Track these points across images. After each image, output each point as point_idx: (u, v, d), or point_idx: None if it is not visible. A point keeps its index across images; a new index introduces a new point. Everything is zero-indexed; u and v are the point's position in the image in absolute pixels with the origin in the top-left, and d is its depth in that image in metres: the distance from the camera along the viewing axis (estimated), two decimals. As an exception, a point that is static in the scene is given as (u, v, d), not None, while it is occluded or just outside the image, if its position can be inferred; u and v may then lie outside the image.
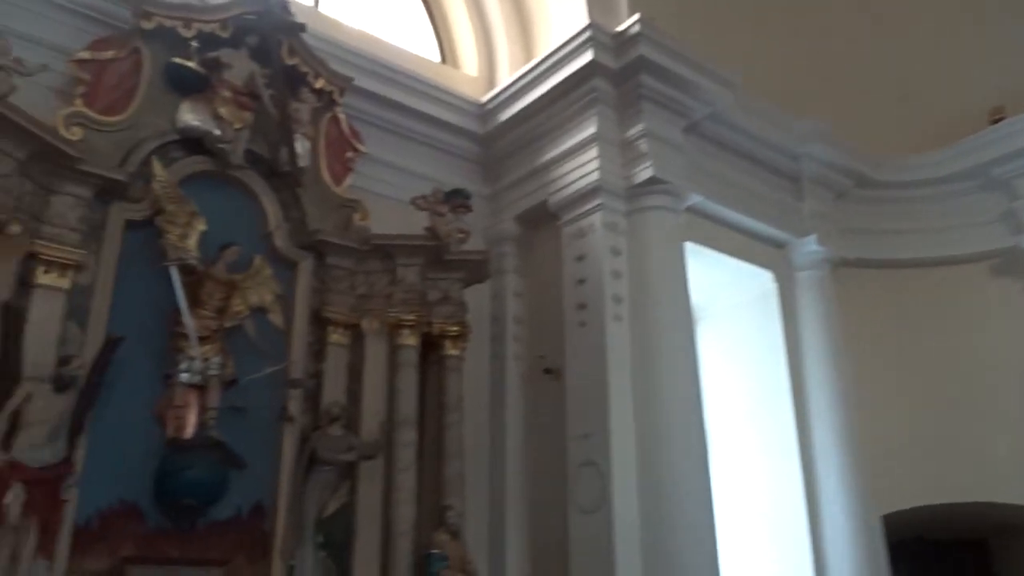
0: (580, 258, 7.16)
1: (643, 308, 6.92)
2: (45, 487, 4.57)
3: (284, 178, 6.25)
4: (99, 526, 5.01)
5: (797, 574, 7.49)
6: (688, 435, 6.62)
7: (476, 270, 6.88)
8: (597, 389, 6.64)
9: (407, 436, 6.04)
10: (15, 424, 4.56)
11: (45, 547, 4.54)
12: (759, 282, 8.41)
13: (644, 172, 7.13)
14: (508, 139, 7.92)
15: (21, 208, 4.85)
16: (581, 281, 7.08)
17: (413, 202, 6.63)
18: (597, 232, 7.09)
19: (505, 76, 8.18)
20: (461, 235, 6.95)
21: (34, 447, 4.57)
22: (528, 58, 8.04)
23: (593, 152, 7.21)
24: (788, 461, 7.82)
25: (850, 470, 7.81)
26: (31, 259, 4.96)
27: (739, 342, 8.50)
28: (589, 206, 7.18)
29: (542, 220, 7.73)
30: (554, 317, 7.30)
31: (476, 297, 7.25)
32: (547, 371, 7.25)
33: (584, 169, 7.25)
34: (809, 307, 8.42)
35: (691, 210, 7.71)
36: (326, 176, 6.55)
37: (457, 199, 7.02)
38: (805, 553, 7.51)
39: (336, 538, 5.58)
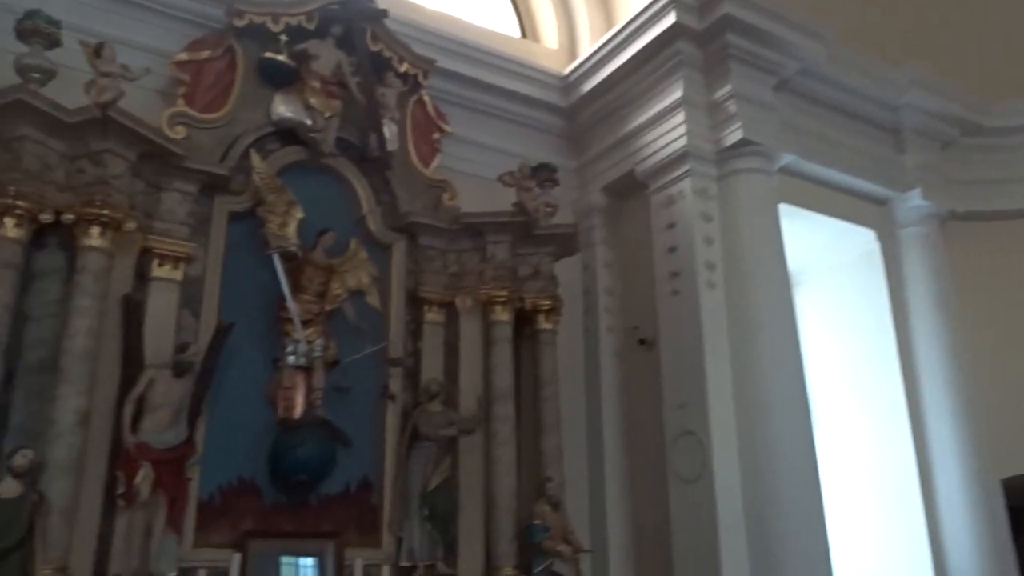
0: (670, 226, 7.06)
1: (737, 274, 6.79)
2: (171, 466, 4.88)
3: (374, 163, 6.40)
4: (221, 502, 5.32)
5: (911, 543, 7.27)
6: (790, 402, 6.48)
7: (565, 243, 6.90)
8: (693, 358, 6.58)
9: (504, 410, 6.15)
10: (141, 409, 4.87)
11: (174, 522, 4.85)
12: (860, 242, 8.10)
13: (734, 134, 6.95)
14: (592, 110, 7.85)
15: (135, 206, 5.14)
16: (672, 249, 6.99)
17: (500, 179, 6.68)
18: (687, 199, 6.97)
19: (586, 46, 8.08)
20: (549, 209, 6.98)
21: (159, 429, 4.87)
22: (609, 26, 7.92)
23: (680, 117, 7.07)
24: (897, 427, 7.56)
25: (965, 434, 7.48)
26: (146, 254, 5.27)
27: (841, 305, 8.23)
28: (678, 173, 7.07)
29: (630, 190, 7.66)
30: (646, 287, 7.25)
31: (567, 270, 7.28)
32: (641, 342, 7.23)
33: (671, 135, 7.12)
34: (915, 265, 8.06)
35: (785, 171, 7.48)
36: (414, 158, 6.67)
37: (543, 173, 7.05)
38: (919, 521, 7.27)
39: (440, 510, 5.74)
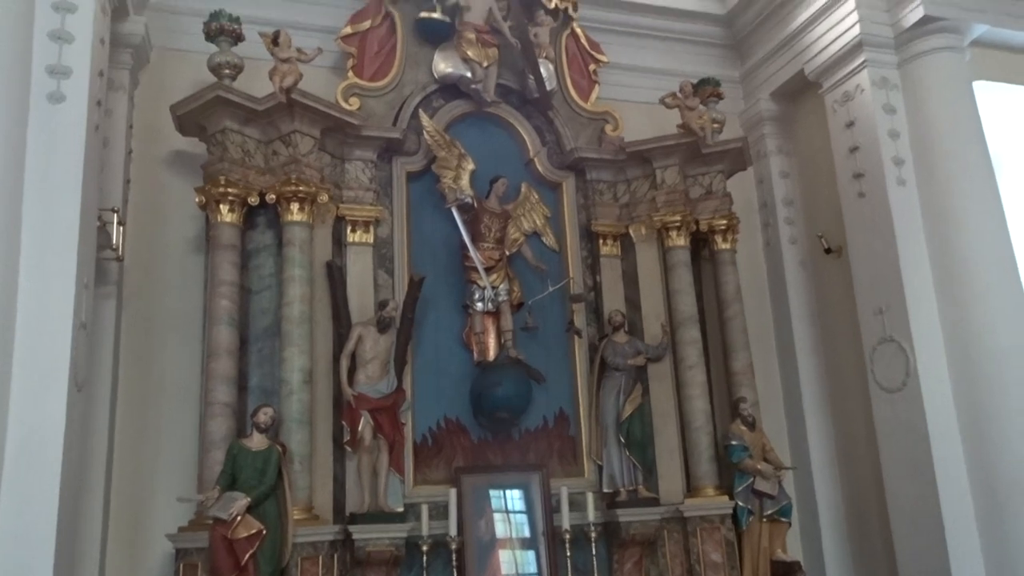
0: (850, 124, 6.65)
1: (931, 167, 6.31)
2: (386, 413, 5.35)
3: (536, 104, 6.47)
4: (433, 442, 5.78)
5: None
6: (1003, 299, 6.04)
7: (736, 158, 6.70)
8: (887, 262, 6.24)
9: (690, 334, 6.17)
10: (354, 363, 5.36)
11: (395, 463, 5.34)
12: (1076, 111, 7.24)
13: (914, 13, 6.38)
14: (752, 12, 7.42)
15: (325, 179, 5.56)
16: (854, 149, 6.59)
17: (662, 101, 6.56)
18: (866, 92, 6.52)
19: (740, -55, 7.62)
20: (716, 125, 6.79)
21: (371, 380, 5.34)
22: (762, -81, 7.41)
23: (850, 4, 6.56)
24: None
25: None
26: (340, 221, 5.70)
27: (1057, 186, 7.43)
28: (853, 65, 6.60)
29: (801, 91, 7.26)
30: (828, 192, 6.92)
31: (741, 186, 7.10)
32: (828, 250, 6.94)
33: (842, 26, 6.64)
34: None
35: (978, 43, 6.80)
36: (574, 94, 6.67)
37: (707, 89, 6.85)
38: None
39: (636, 437, 5.90)
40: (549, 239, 6.42)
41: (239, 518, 4.45)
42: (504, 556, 5.59)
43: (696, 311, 6.28)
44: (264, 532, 4.52)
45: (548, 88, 6.41)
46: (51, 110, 4.24)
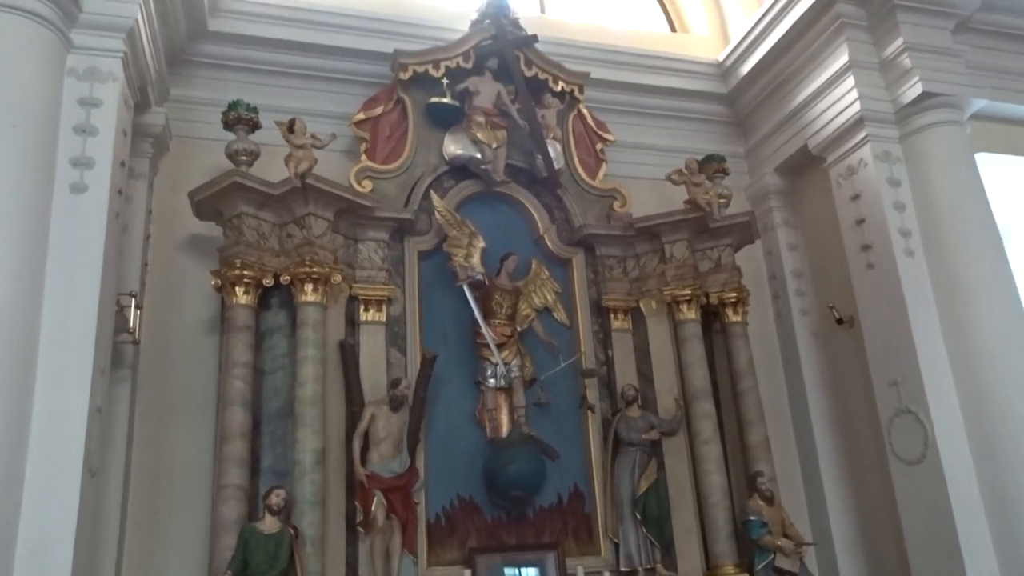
0: (855, 197, 6.73)
1: (938, 237, 6.36)
2: (399, 493, 5.32)
3: (544, 183, 6.61)
4: (446, 522, 5.71)
5: None
6: (1018, 369, 5.98)
7: (744, 232, 6.78)
8: (899, 332, 6.23)
9: (704, 408, 6.13)
10: (367, 443, 5.35)
11: (408, 544, 5.28)
12: (1079, 181, 7.31)
13: (912, 89, 6.53)
14: (754, 91, 7.64)
15: (338, 259, 5.66)
16: (860, 221, 6.66)
17: (668, 177, 6.68)
18: (869, 166, 6.62)
19: (738, 28, 7.86)
20: (723, 200, 6.89)
21: (384, 459, 5.32)
22: (759, 2, 7.67)
23: (850, 82, 6.74)
24: None
25: None
26: (353, 301, 5.78)
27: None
28: (855, 140, 6.73)
29: (805, 166, 7.38)
30: (837, 264, 6.95)
31: (750, 259, 7.15)
32: (839, 321, 6.94)
33: (843, 102, 6.80)
34: None
35: (978, 117, 6.93)
36: (581, 172, 6.82)
37: (712, 165, 6.97)
38: None
39: (653, 513, 5.82)
40: (560, 314, 6.47)
41: (246, 605, 4.39)
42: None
43: (709, 384, 6.26)
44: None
45: (556, 167, 6.56)
46: (74, 200, 4.39)
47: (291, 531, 4.73)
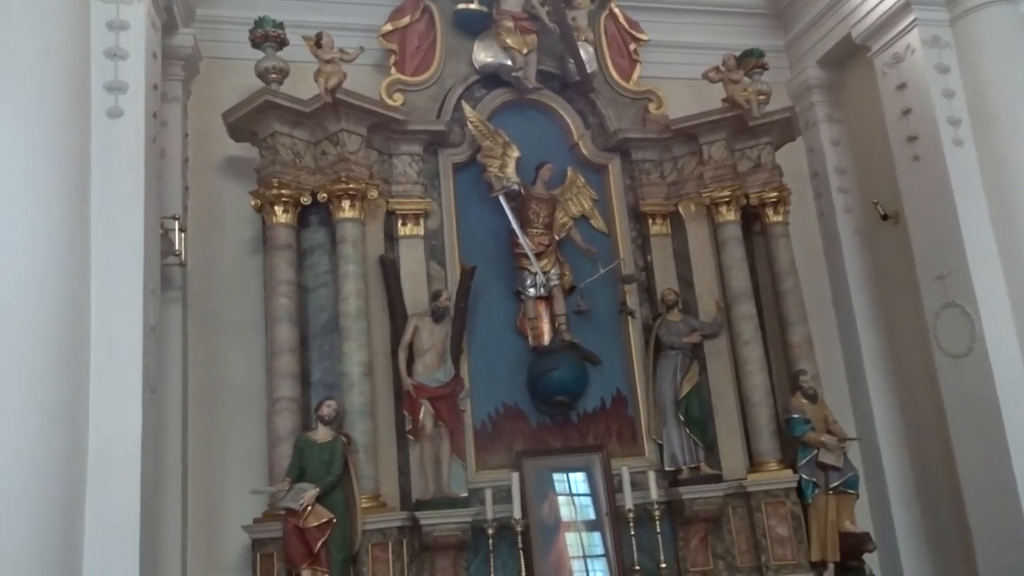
0: (901, 87, 6.46)
1: (988, 125, 6.10)
2: (445, 401, 5.46)
3: (577, 88, 6.47)
4: (492, 428, 5.86)
5: None
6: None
7: (784, 129, 6.61)
8: (946, 225, 6.07)
9: (745, 309, 6.12)
10: (411, 354, 5.47)
11: (457, 450, 5.45)
12: None
13: (964, -34, 6.17)
14: (795, -22, 7.29)
15: (374, 175, 5.67)
16: (906, 112, 6.41)
17: (705, 76, 6.48)
18: (917, 52, 6.33)
19: (777, -90, 7.47)
20: (762, 97, 6.69)
21: (429, 370, 5.45)
22: None
23: (897, -38, 6.38)
24: None
25: None
26: (391, 216, 5.81)
27: None
28: (902, 25, 6.41)
29: (849, 57, 7.10)
30: (882, 158, 6.76)
31: (790, 157, 6.97)
32: (884, 217, 6.80)
33: (890, -15, 6.46)
34: None
35: (1036, -6, 6.53)
36: (615, 74, 6.65)
37: (750, 60, 6.74)
38: None
39: (696, 414, 5.90)
40: (597, 222, 6.44)
41: (310, 508, 4.60)
42: (569, 538, 5.65)
43: (750, 286, 6.23)
44: (334, 521, 4.66)
45: (589, 71, 6.40)
46: (111, 125, 4.42)
47: (344, 439, 4.90)
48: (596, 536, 5.69)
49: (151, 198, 4.60)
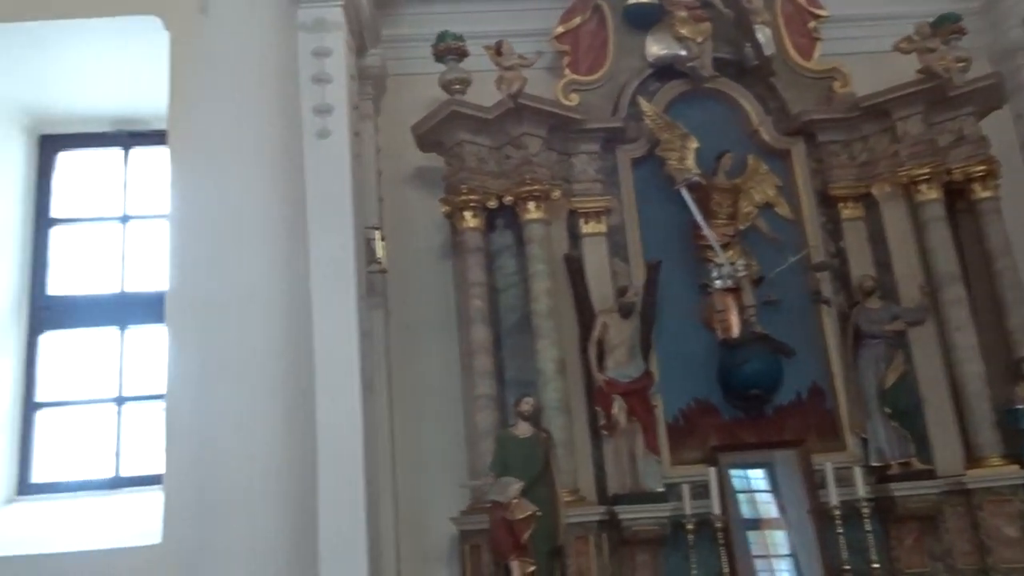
0: None
1: None
2: (637, 397, 5.46)
3: (755, 73, 6.29)
4: (685, 423, 5.80)
5: None
6: None
7: (989, 96, 6.14)
8: None
9: (954, 293, 5.71)
10: (601, 350, 5.52)
11: (651, 445, 5.43)
12: None
13: None
14: (992, -70, 6.72)
15: (555, 176, 5.77)
16: None
17: (897, 47, 6.10)
18: None
19: None
20: (961, 64, 6.21)
21: (620, 365, 5.48)
22: None
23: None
24: None
25: None
26: (573, 215, 5.90)
27: None
28: None
29: (1061, 11, 6.47)
30: (1106, 120, 6.10)
31: (995, 127, 6.42)
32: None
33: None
34: None
35: None
36: (795, 55, 6.40)
37: (946, 26, 6.28)
38: None
39: (903, 406, 5.57)
40: (783, 209, 6.22)
41: (515, 501, 4.74)
42: (770, 535, 5.51)
43: (958, 268, 5.81)
44: (539, 514, 4.78)
45: (767, 54, 6.20)
46: (320, 145, 4.77)
47: (544, 435, 5.02)
48: (798, 533, 5.50)
49: (358, 210, 4.91)
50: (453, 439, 5.77)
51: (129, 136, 5.75)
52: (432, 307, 6.15)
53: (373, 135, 6.14)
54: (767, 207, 6.20)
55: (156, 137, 5.56)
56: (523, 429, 5.05)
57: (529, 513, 4.75)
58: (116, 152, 5.82)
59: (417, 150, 6.09)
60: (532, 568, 4.70)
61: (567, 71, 6.20)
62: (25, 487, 5.19)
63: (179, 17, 4.82)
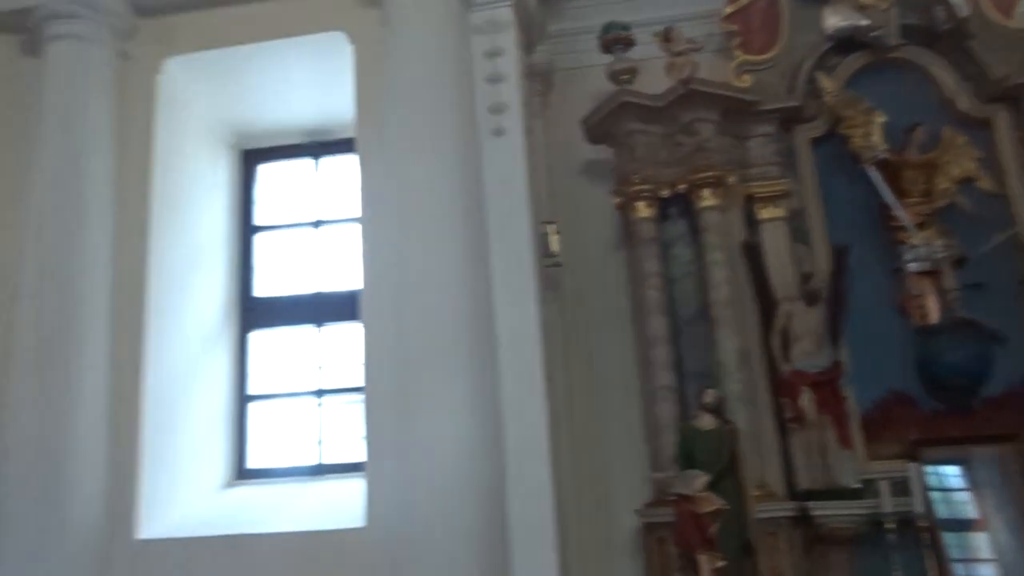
0: None
1: None
2: (826, 388, 5.20)
3: (948, 38, 5.81)
4: (880, 415, 5.44)
5: None
6: None
7: None
8: None
9: None
10: (786, 340, 5.30)
11: (843, 438, 5.14)
12: None
13: None
14: None
15: (730, 161, 5.61)
16: None
17: (1117, -3, 5.46)
18: None
19: None
20: None
21: (807, 355, 5.23)
22: None
23: None
24: None
25: None
26: (749, 200, 5.70)
27: None
28: None
29: None
30: None
31: None
32: None
33: None
34: None
35: None
36: (993, 14, 5.84)
37: None
38: None
39: None
40: (986, 183, 5.69)
41: (702, 494, 4.65)
42: (981, 536, 5.09)
43: None
44: (726, 508, 4.67)
45: (961, 15, 5.71)
46: (496, 143, 4.88)
47: (729, 427, 4.90)
48: (982, 538, 5.11)
49: (533, 206, 4.99)
50: (630, 431, 5.73)
51: (319, 146, 6.14)
52: (605, 299, 6.14)
53: (542, 131, 6.21)
54: (967, 182, 5.70)
55: (343, 145, 5.95)
56: (707, 421, 4.96)
57: (716, 507, 4.66)
58: (307, 162, 6.24)
59: (585, 143, 6.10)
60: (722, 563, 4.60)
61: (738, 52, 5.98)
62: (241, 472, 5.69)
63: (362, 31, 5.11)
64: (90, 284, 4.86)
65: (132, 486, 4.82)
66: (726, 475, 4.82)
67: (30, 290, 4.77)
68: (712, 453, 4.83)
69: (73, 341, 4.73)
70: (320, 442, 5.71)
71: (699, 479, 4.66)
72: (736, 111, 5.70)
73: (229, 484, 5.61)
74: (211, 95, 5.67)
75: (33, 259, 4.81)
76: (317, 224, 6.13)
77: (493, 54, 5.00)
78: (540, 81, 6.29)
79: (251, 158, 6.26)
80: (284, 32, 5.26)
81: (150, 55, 5.34)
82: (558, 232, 5.70)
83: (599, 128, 5.86)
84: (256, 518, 5.16)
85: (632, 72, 5.77)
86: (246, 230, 6.14)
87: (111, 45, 5.24)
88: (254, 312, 5.99)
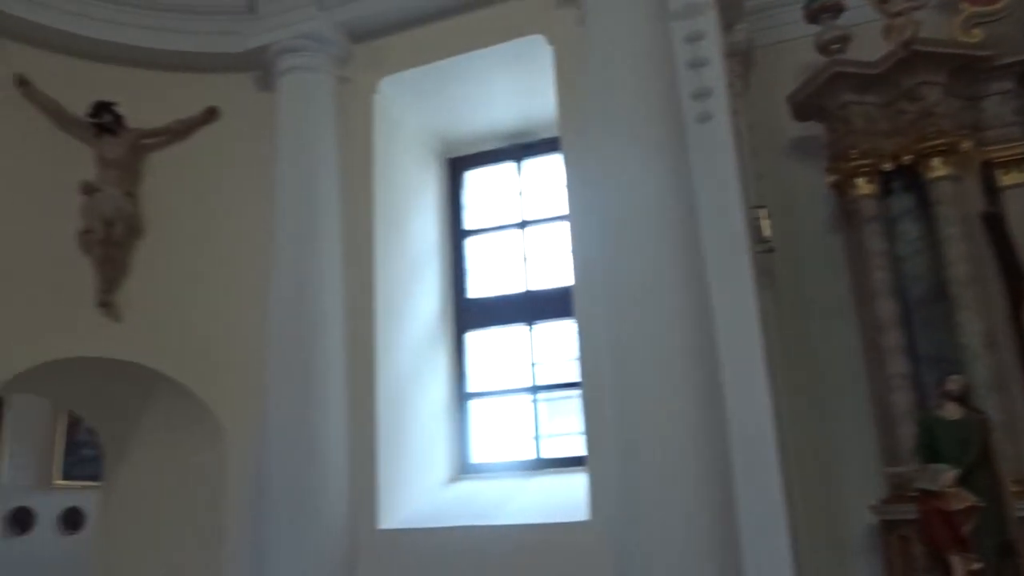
0: None
1: None
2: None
3: None
4: None
5: None
6: None
7: None
8: None
9: None
10: (1036, 320, 4.76)
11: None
12: None
13: None
14: None
15: (962, 125, 5.13)
16: None
17: None
18: None
19: None
20: None
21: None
22: None
23: None
24: None
25: None
26: (987, 166, 5.18)
27: None
28: None
29: None
30: None
31: None
32: None
33: None
34: None
35: None
36: None
37: None
38: None
39: None
40: None
41: (950, 490, 4.28)
42: None
43: None
44: (980, 506, 4.27)
45: None
46: (702, 129, 4.75)
47: (980, 417, 4.47)
48: None
49: (744, 192, 4.81)
50: (856, 423, 5.41)
51: (521, 148, 6.29)
52: (822, 284, 5.82)
53: (744, 112, 5.97)
54: None
55: (544, 146, 6.06)
56: (952, 411, 4.54)
57: (969, 504, 4.27)
58: (510, 165, 6.41)
59: (790, 121, 5.83)
60: (977, 565, 4.22)
61: (964, 4, 5.45)
62: (465, 467, 5.95)
63: (560, 31, 5.16)
64: (328, 298, 5.29)
65: (371, 482, 5.18)
66: (978, 469, 4.39)
67: (279, 309, 5.27)
68: (959, 445, 4.42)
69: (317, 353, 5.17)
70: (537, 438, 5.85)
71: (947, 474, 4.30)
72: (966, 69, 5.20)
73: (454, 479, 5.88)
74: (420, 109, 5.96)
75: (280, 277, 5.30)
76: (523, 225, 6.27)
77: (694, 38, 4.85)
78: (739, 61, 6.03)
79: (457, 165, 6.52)
80: (485, 42, 5.42)
81: (366, 77, 5.70)
82: (769, 216, 5.46)
83: (807, 103, 5.55)
84: (482, 511, 5.36)
85: (844, 40, 5.42)
86: (456, 235, 6.41)
87: (332, 72, 5.67)
88: (468, 313, 6.24)
